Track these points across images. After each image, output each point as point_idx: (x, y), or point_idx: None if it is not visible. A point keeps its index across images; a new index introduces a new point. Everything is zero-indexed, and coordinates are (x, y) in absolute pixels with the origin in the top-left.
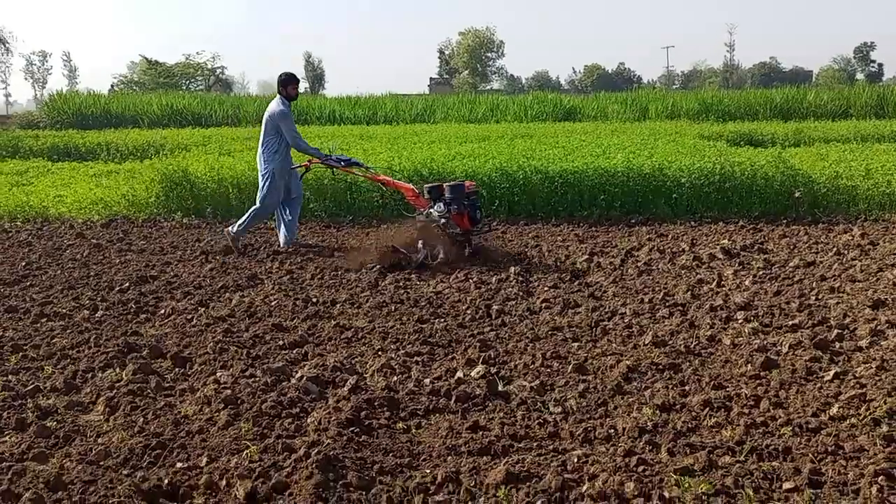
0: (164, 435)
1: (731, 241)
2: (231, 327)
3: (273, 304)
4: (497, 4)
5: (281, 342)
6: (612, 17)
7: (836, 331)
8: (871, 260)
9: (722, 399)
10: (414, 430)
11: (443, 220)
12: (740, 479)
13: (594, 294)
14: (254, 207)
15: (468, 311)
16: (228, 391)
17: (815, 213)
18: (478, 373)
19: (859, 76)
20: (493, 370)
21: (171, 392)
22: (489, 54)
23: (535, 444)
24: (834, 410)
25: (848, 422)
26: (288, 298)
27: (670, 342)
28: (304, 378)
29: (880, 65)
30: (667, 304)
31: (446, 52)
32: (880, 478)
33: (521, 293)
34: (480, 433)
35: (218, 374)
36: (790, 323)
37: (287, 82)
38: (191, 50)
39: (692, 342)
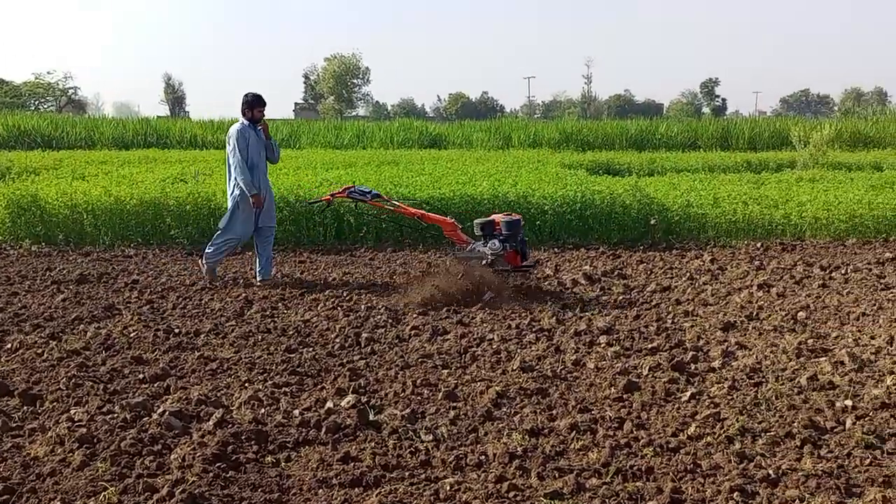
0: (12, 479)
1: (593, 267)
2: (86, 361)
3: (132, 335)
4: (363, 31)
5: (141, 375)
6: (476, 46)
7: (691, 353)
8: (721, 284)
9: (588, 422)
10: (283, 464)
11: (492, 257)
12: (607, 500)
13: (462, 320)
14: (217, 234)
15: (337, 340)
16: (83, 429)
17: (669, 239)
18: (348, 402)
19: (705, 110)
20: (364, 399)
21: (19, 432)
22: (355, 80)
23: (407, 473)
24: (691, 430)
25: (704, 440)
26: (148, 329)
27: (537, 367)
28: (167, 413)
29: (724, 99)
30: (533, 329)
31: (312, 78)
32: (735, 494)
33: (390, 320)
34: (352, 464)
35: (72, 412)
36: (649, 346)
37: (253, 104)
38: (41, 69)
39: (558, 366)
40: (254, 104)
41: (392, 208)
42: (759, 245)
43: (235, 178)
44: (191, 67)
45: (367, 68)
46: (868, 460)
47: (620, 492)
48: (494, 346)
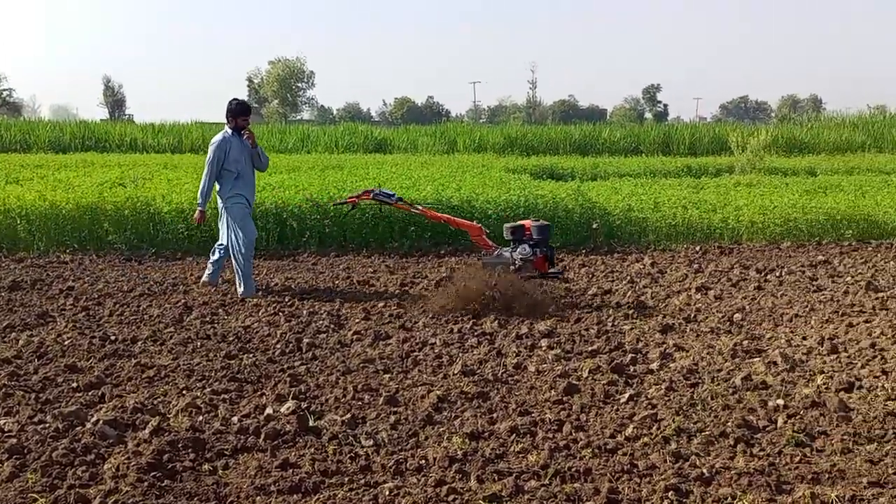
0: None
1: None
2: (17, 370)
3: (66, 343)
4: (307, 35)
5: (75, 384)
6: (423, 51)
7: (630, 355)
8: (660, 287)
9: (528, 425)
10: (221, 472)
11: (520, 263)
12: (545, 501)
13: (405, 325)
14: (223, 249)
15: (278, 346)
16: (14, 440)
17: (610, 243)
18: (288, 408)
19: (648, 115)
20: (304, 405)
21: None
22: (299, 84)
23: (346, 478)
24: (629, 431)
25: (641, 441)
26: (83, 337)
27: (479, 371)
28: (101, 422)
29: (666, 105)
30: (475, 333)
31: (255, 81)
32: (670, 493)
33: (332, 326)
34: (291, 471)
35: (1, 422)
36: (590, 349)
37: (237, 113)
38: None
39: (500, 370)
40: (238, 113)
41: (417, 212)
42: (698, 248)
43: (227, 189)
44: (132, 70)
45: (312, 72)
46: (798, 458)
47: (558, 493)
48: (437, 351)
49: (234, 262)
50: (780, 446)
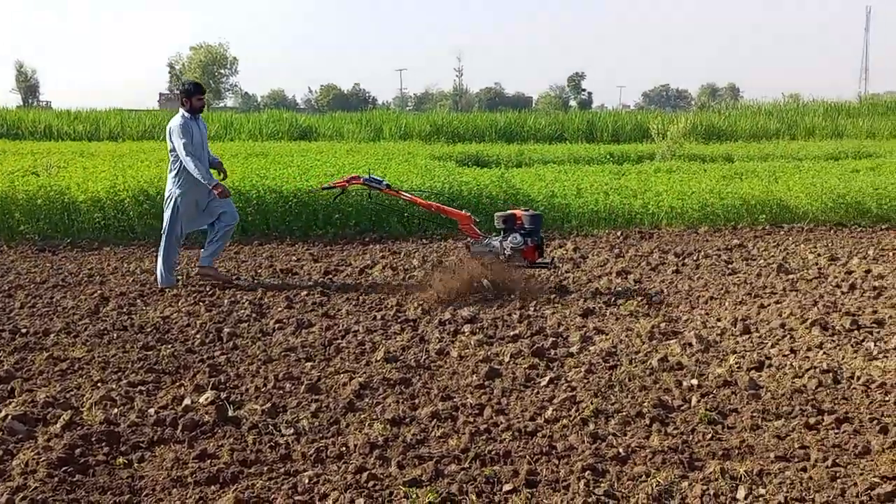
0: None
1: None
2: None
3: None
4: (230, 20)
5: None
6: (349, 37)
7: (551, 339)
8: (582, 272)
9: (449, 410)
10: (136, 465)
11: (509, 252)
12: (465, 485)
13: (328, 313)
14: (163, 238)
15: (198, 336)
16: None
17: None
18: (207, 399)
19: (572, 103)
20: (224, 395)
21: None
22: (222, 71)
23: (266, 468)
24: (549, 413)
25: (561, 423)
26: None
27: (402, 357)
28: (10, 417)
29: (590, 93)
30: (399, 319)
31: (177, 67)
32: (587, 472)
33: (253, 315)
34: (209, 461)
35: None
36: (511, 333)
37: (191, 92)
38: None
39: (422, 356)
40: (192, 92)
41: (406, 199)
42: (619, 234)
43: (173, 176)
44: (48, 56)
45: (235, 58)
46: (710, 435)
47: (478, 476)
48: (359, 338)
49: (162, 241)
50: (694, 424)
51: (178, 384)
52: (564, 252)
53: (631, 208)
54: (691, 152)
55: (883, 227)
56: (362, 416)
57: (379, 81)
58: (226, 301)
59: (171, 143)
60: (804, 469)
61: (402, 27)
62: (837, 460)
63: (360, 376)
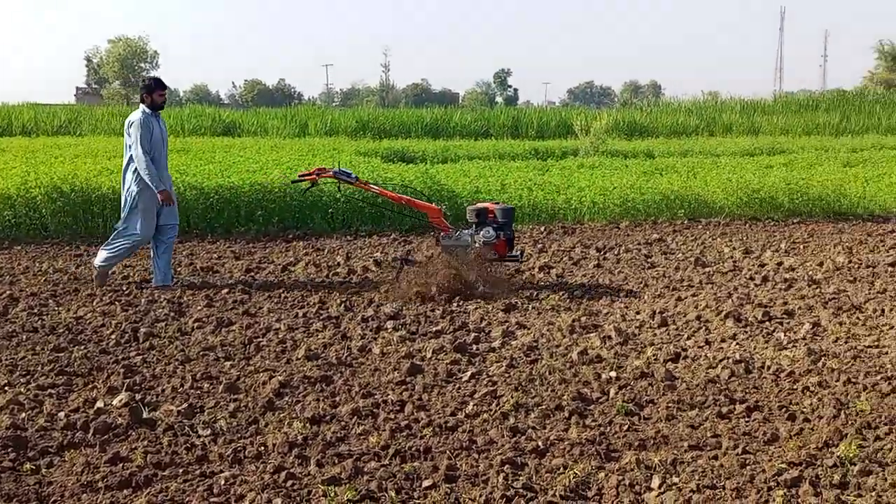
0: None
1: (384, 254)
2: None
3: None
4: (151, 13)
5: None
6: (274, 32)
7: (473, 334)
8: (505, 267)
9: (370, 406)
10: (45, 470)
11: (482, 245)
12: (384, 482)
13: (249, 311)
14: (116, 233)
15: (113, 336)
16: None
17: (458, 225)
18: (120, 401)
19: (498, 99)
20: (139, 397)
21: None
22: (142, 65)
23: (181, 470)
24: (469, 408)
25: (481, 417)
26: None
27: (323, 355)
28: None
29: (516, 90)
30: (321, 317)
31: (94, 61)
32: (506, 466)
33: (172, 314)
34: (121, 465)
35: None
36: (434, 329)
37: (152, 88)
38: None
39: (344, 353)
40: (154, 88)
41: (375, 191)
42: (542, 229)
43: (132, 173)
44: None
45: (156, 52)
46: (626, 426)
47: (397, 472)
48: (280, 336)
49: (110, 239)
50: (611, 416)
51: (90, 386)
52: None
53: (554, 204)
54: (614, 148)
55: (794, 220)
56: (282, 414)
57: (305, 77)
58: (143, 300)
59: (129, 138)
60: (716, 457)
61: (328, 22)
62: (747, 448)
63: (280, 375)
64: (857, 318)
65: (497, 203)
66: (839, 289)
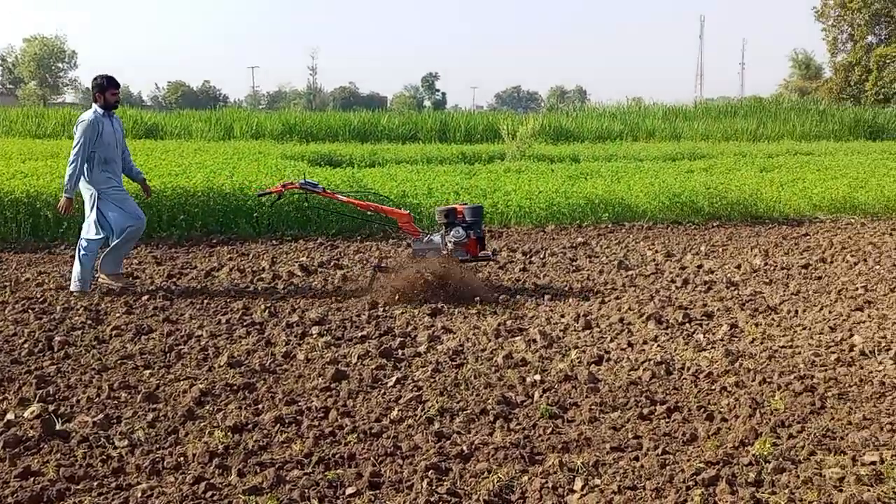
0: None
1: (310, 259)
2: None
3: None
4: (68, 12)
5: None
6: (199, 33)
7: (399, 339)
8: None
9: (294, 414)
10: None
11: (452, 246)
12: (307, 490)
13: (170, 318)
14: (82, 243)
15: (25, 345)
16: None
17: (385, 229)
18: (32, 412)
19: (427, 103)
20: (52, 408)
21: None
22: (60, 65)
23: (96, 482)
24: (394, 414)
25: (406, 423)
26: None
27: (246, 361)
28: None
29: (444, 94)
30: (244, 323)
31: (9, 60)
32: (430, 472)
33: (89, 321)
34: (32, 479)
35: None
36: (360, 334)
37: (105, 87)
38: None
39: (268, 360)
40: (106, 86)
41: (343, 200)
42: None
43: (99, 175)
44: None
45: (74, 52)
46: (550, 429)
47: (321, 480)
48: (202, 343)
49: (83, 247)
50: (535, 419)
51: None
52: None
53: None
54: (540, 153)
55: (714, 224)
56: (202, 424)
57: (230, 79)
58: (59, 308)
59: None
60: (637, 458)
61: (254, 23)
62: (667, 448)
63: (201, 383)
64: (773, 319)
65: (465, 203)
66: (756, 290)
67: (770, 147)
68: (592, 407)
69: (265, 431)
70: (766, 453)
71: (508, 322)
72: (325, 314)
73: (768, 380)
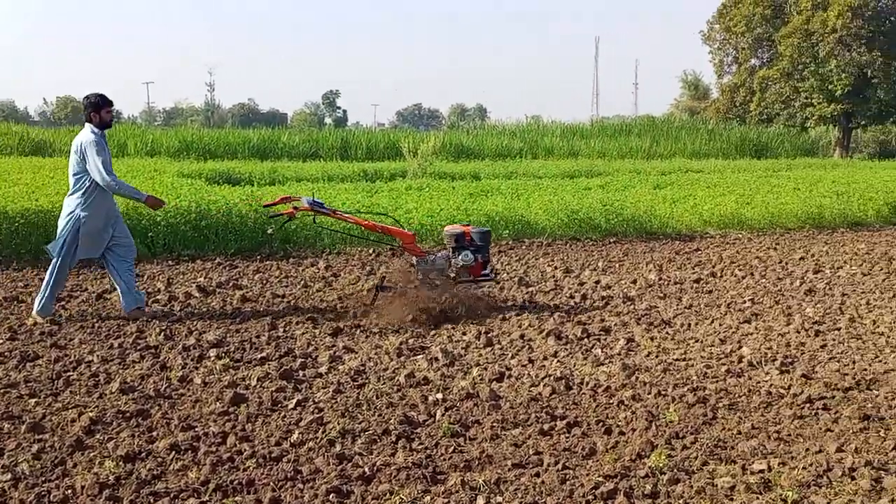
0: None
1: (208, 279)
2: None
3: None
4: None
5: None
6: (91, 47)
7: (300, 360)
8: (334, 290)
9: (190, 440)
10: None
11: (460, 269)
12: None
13: (58, 343)
14: (56, 262)
15: None
16: None
17: (286, 248)
18: None
19: (328, 120)
20: None
21: None
22: None
23: None
24: (295, 437)
25: (307, 446)
26: None
27: (140, 387)
28: None
29: (345, 111)
30: (138, 347)
31: None
32: (331, 495)
33: None
34: None
35: None
36: (259, 356)
37: (100, 105)
38: None
39: (163, 385)
40: (101, 105)
41: (351, 221)
42: (371, 251)
43: (80, 194)
44: None
45: None
46: (452, 448)
47: None
48: (93, 369)
49: (49, 272)
50: (437, 438)
51: None
52: (316, 271)
53: None
54: (441, 170)
55: (611, 240)
56: (92, 454)
57: (124, 95)
58: None
59: (79, 162)
60: (538, 474)
61: (149, 38)
62: (567, 463)
63: (91, 411)
64: (667, 332)
65: (472, 227)
66: (651, 305)
67: (663, 165)
68: (494, 424)
69: (159, 459)
70: (661, 465)
71: (410, 341)
72: (223, 336)
73: (663, 392)
